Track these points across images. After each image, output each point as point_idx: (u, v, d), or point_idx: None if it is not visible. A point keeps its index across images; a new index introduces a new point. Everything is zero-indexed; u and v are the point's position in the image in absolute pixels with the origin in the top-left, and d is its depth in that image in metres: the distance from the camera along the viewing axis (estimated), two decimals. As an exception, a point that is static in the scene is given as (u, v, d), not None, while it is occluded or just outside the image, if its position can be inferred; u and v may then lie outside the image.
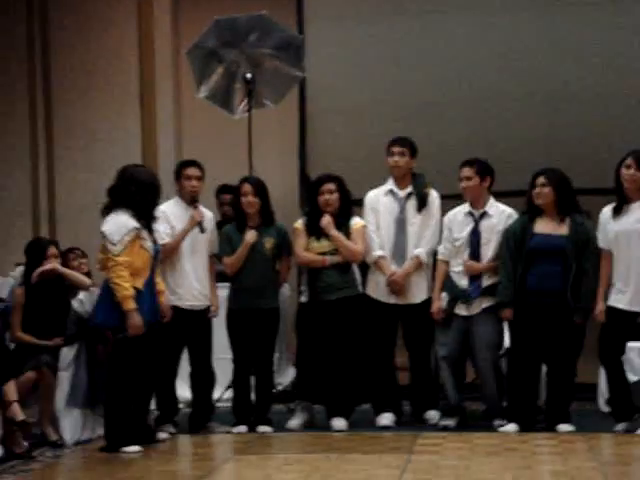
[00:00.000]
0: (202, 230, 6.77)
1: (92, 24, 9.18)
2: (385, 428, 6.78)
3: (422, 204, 6.90)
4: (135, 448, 6.18)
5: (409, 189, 6.94)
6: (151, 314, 6.25)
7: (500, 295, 6.58)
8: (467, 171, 6.73)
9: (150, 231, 6.26)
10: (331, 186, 6.80)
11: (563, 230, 6.54)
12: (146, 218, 6.20)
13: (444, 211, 6.98)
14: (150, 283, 6.25)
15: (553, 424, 6.54)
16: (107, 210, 6.22)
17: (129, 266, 6.08)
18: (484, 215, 6.75)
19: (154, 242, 6.30)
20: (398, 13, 8.29)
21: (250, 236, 6.76)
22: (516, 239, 6.56)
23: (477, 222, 6.74)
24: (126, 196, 6.19)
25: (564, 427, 6.52)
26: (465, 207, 6.80)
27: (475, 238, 6.71)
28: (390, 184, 6.97)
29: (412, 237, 6.89)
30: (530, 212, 6.60)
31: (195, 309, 6.79)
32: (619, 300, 6.42)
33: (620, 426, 6.48)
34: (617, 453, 6.19)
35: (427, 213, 6.91)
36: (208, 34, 8.08)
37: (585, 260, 6.49)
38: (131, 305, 6.07)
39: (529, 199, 6.61)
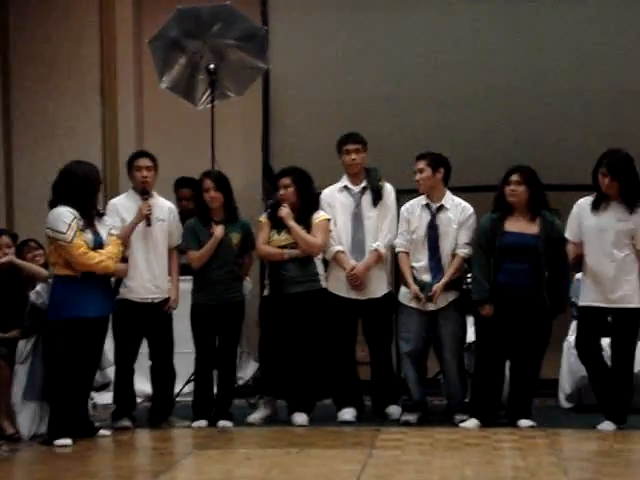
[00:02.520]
0: (148, 223, 6.69)
1: (52, 12, 9.05)
2: (346, 423, 6.75)
3: (377, 198, 6.90)
4: (65, 441, 6.12)
5: (363, 183, 6.95)
6: (94, 308, 6.21)
7: (476, 293, 6.56)
8: (419, 164, 6.76)
9: (91, 225, 6.25)
10: (286, 181, 6.79)
11: (534, 229, 6.54)
12: (84, 213, 6.21)
13: (400, 206, 6.96)
14: (92, 277, 6.20)
15: (514, 419, 6.55)
16: (50, 207, 6.28)
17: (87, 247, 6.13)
18: (441, 208, 6.75)
19: (96, 234, 6.26)
20: (362, 6, 8.26)
21: (219, 231, 6.72)
22: (487, 237, 6.55)
23: (434, 215, 6.74)
24: (65, 192, 6.25)
25: (525, 422, 6.53)
26: (422, 200, 6.80)
27: (433, 232, 6.72)
28: (344, 180, 6.98)
29: (369, 231, 6.88)
30: (500, 209, 6.59)
31: (148, 302, 6.71)
32: (590, 297, 6.43)
33: (607, 425, 6.42)
34: (577, 448, 6.21)
35: (383, 206, 6.91)
36: (171, 24, 8.01)
37: (558, 259, 6.50)
38: (114, 267, 6.29)
39: (499, 196, 6.60)
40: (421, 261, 6.72)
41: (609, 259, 6.39)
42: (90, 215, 6.28)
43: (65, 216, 6.16)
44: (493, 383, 6.56)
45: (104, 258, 6.19)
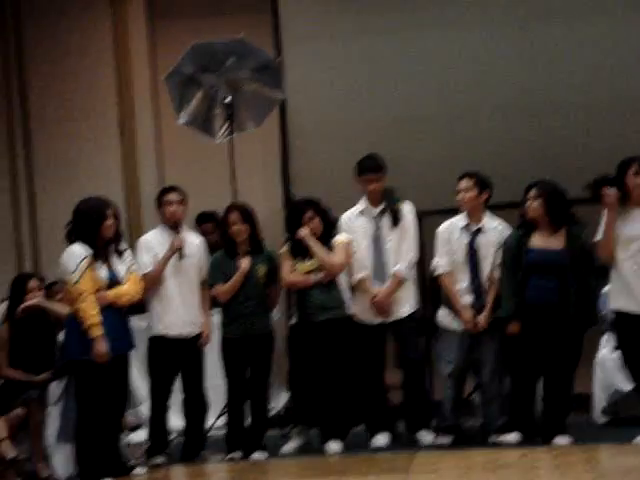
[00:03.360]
0: (181, 256, 6.72)
1: (68, 54, 9.12)
2: (380, 449, 6.72)
3: (396, 219, 6.89)
4: None
5: (382, 206, 6.93)
6: (114, 344, 6.13)
7: (503, 311, 6.55)
8: (466, 182, 6.72)
9: (106, 262, 6.21)
10: (309, 214, 6.80)
11: (559, 243, 6.52)
12: (95, 247, 6.17)
13: (424, 227, 6.96)
14: (110, 314, 6.14)
15: (550, 437, 6.50)
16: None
17: (90, 292, 6.06)
18: (480, 230, 6.73)
19: (112, 271, 6.23)
20: (375, 31, 8.27)
21: (245, 264, 6.74)
22: (512, 254, 6.54)
23: (473, 237, 6.72)
24: (74, 229, 6.25)
25: (561, 440, 6.48)
26: (461, 221, 6.77)
27: (473, 254, 6.69)
28: (363, 203, 6.97)
29: (391, 254, 6.87)
30: (524, 226, 6.59)
31: (183, 337, 6.73)
32: (629, 304, 6.39)
33: None
34: (615, 464, 6.18)
35: (402, 228, 6.89)
36: (185, 60, 8.04)
37: (585, 273, 6.48)
38: (97, 332, 6.05)
39: (523, 212, 6.59)
40: (462, 283, 6.71)
41: (632, 266, 6.35)
42: (104, 250, 6.22)
43: (76, 255, 6.12)
44: (529, 398, 6.50)
45: (96, 320, 6.04)
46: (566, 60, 7.99)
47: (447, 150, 8.04)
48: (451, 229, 6.77)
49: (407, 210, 6.94)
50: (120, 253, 6.35)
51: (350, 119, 8.23)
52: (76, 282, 6.10)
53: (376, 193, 6.91)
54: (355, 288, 6.89)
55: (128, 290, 6.27)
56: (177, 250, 6.71)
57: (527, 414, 6.53)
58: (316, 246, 6.75)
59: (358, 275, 6.87)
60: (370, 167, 6.90)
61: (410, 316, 6.88)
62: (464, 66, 8.13)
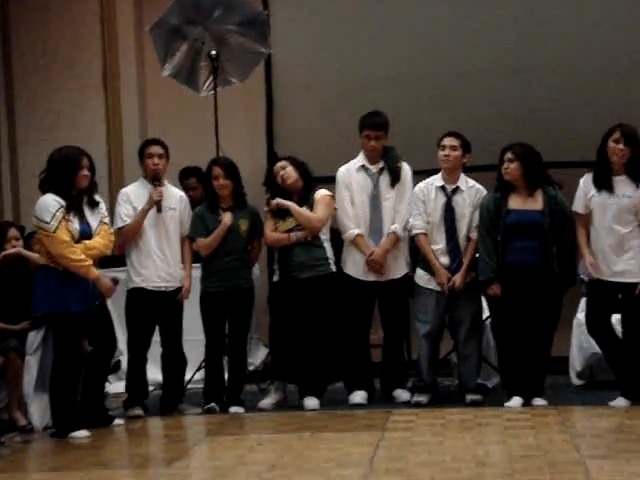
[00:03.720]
0: (159, 210, 6.70)
1: (52, 2, 9.03)
2: (357, 406, 6.75)
3: (395, 179, 6.85)
4: (83, 433, 6.10)
5: (381, 164, 6.90)
6: (87, 298, 6.12)
7: (483, 273, 6.55)
8: (453, 140, 6.69)
9: (79, 214, 6.14)
10: (281, 163, 6.79)
11: (537, 205, 6.53)
12: (68, 198, 6.08)
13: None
14: None
15: (526, 398, 6.54)
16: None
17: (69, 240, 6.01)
18: (456, 190, 6.72)
19: (85, 224, 6.17)
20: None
21: (227, 218, 6.72)
22: (490, 216, 6.55)
23: (450, 197, 6.71)
24: (48, 178, 6.16)
25: (537, 401, 6.53)
26: (436, 181, 6.76)
27: (449, 214, 6.69)
28: (361, 159, 6.92)
29: (387, 213, 6.85)
30: (502, 188, 6.59)
31: (162, 290, 6.72)
32: (601, 272, 6.44)
33: (620, 401, 6.43)
34: (589, 425, 6.23)
35: (401, 187, 6.87)
36: (171, 11, 7.97)
37: (564, 233, 6.50)
38: (94, 273, 6.08)
39: (499, 175, 6.60)
40: (439, 244, 6.70)
41: (609, 234, 6.40)
42: (77, 201, 6.13)
43: (51, 205, 6.03)
44: (520, 359, 6.49)
45: (88, 263, 6.03)
46: (555, 23, 7.96)
47: (431, 111, 8.02)
48: (426, 190, 6.75)
49: (406, 170, 6.90)
50: (93, 205, 6.27)
51: (336, 76, 8.20)
52: (55, 231, 6.04)
53: (374, 150, 6.85)
54: (349, 244, 6.86)
55: (95, 244, 6.18)
56: (155, 203, 6.68)
57: (524, 374, 6.51)
58: (292, 205, 6.73)
59: (354, 231, 6.85)
60: (370, 124, 6.84)
61: (402, 278, 6.88)
62: (452, 26, 8.09)
